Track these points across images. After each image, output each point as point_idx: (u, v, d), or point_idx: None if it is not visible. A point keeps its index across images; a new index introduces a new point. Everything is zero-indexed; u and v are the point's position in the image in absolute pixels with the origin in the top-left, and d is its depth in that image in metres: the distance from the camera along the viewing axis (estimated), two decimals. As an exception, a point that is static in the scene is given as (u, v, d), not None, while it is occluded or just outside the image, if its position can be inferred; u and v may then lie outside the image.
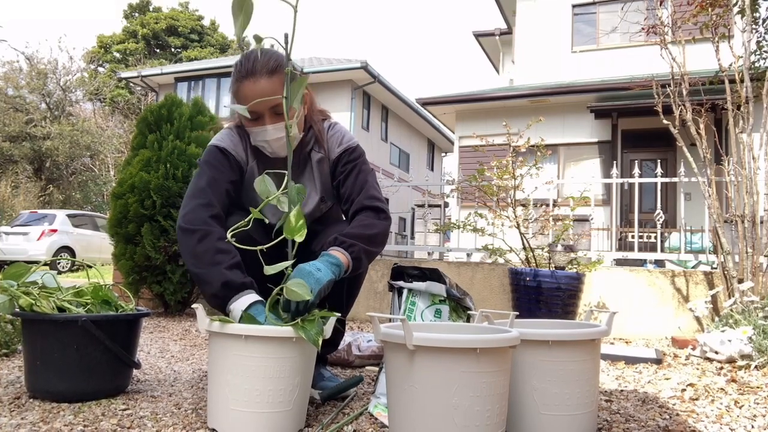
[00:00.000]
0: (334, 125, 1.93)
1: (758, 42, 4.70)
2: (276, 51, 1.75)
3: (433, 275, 1.75)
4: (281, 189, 1.51)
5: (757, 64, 4.44)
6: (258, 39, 1.48)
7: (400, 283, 1.78)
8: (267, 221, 1.67)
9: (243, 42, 1.47)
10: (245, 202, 1.88)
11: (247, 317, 1.52)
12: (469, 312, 1.75)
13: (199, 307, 1.50)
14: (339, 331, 2.02)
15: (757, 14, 4.53)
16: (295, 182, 1.73)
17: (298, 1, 1.46)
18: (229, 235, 1.54)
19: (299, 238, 1.49)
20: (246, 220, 1.54)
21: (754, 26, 4.28)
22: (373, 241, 1.72)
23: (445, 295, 1.73)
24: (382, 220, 1.79)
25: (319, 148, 1.88)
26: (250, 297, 1.56)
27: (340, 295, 1.86)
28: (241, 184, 1.84)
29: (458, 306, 1.75)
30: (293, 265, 1.54)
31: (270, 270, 1.48)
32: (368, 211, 1.79)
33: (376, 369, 2.31)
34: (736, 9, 4.06)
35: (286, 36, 1.51)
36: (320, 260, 1.58)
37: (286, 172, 1.54)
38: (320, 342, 1.43)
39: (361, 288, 1.99)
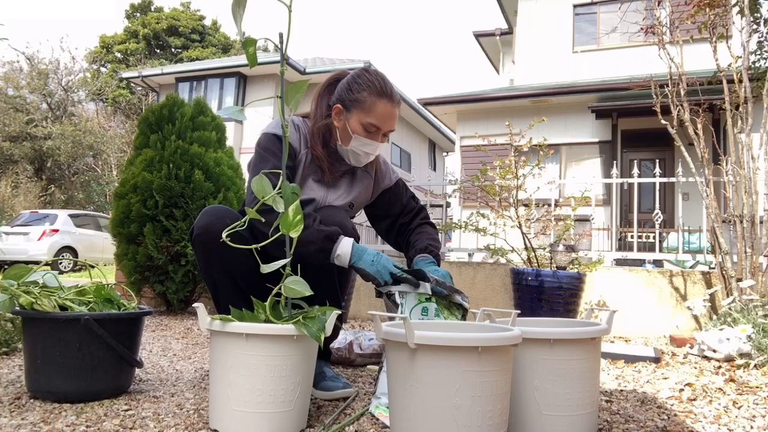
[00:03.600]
0: (382, 157, 2.18)
1: (759, 42, 4.69)
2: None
3: (418, 275, 1.76)
4: (276, 189, 1.52)
5: (757, 64, 4.44)
6: (251, 42, 1.48)
7: (388, 287, 1.79)
8: (263, 220, 1.67)
9: (242, 40, 1.48)
10: None
11: (249, 316, 1.53)
12: (463, 308, 1.76)
13: (200, 306, 1.51)
14: (337, 326, 2.04)
15: (758, 14, 4.52)
16: (335, 181, 1.99)
17: (292, 2, 1.47)
18: (224, 235, 1.55)
19: (294, 234, 1.49)
20: (242, 220, 1.55)
21: (755, 25, 4.28)
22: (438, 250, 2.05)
23: (430, 294, 1.74)
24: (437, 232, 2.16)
25: (369, 168, 2.09)
26: (347, 240, 1.76)
27: (333, 287, 1.91)
28: (294, 170, 1.98)
29: (451, 304, 1.75)
30: (292, 264, 1.55)
31: (266, 268, 1.49)
32: (429, 226, 2.13)
33: (377, 368, 2.31)
34: (735, 10, 4.06)
35: (281, 35, 1.52)
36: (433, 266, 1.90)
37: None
38: (322, 338, 1.45)
39: (351, 274, 2.03)
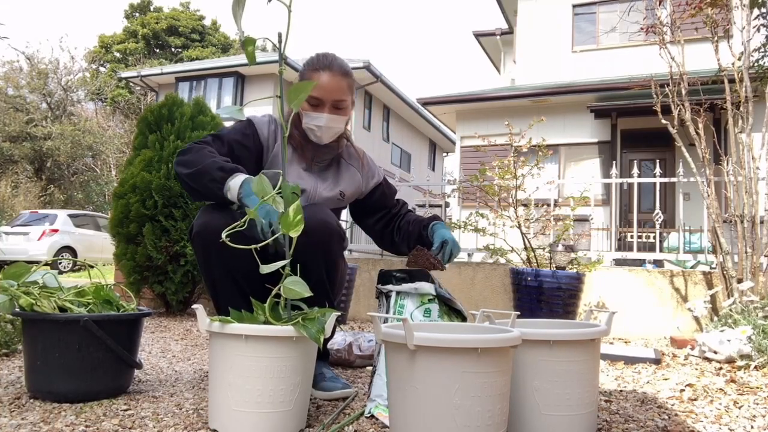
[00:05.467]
0: (365, 152, 2.26)
1: (764, 44, 4.66)
2: (345, 63, 2.02)
3: (421, 275, 1.75)
4: (276, 189, 1.51)
5: (761, 62, 4.40)
6: (251, 41, 1.48)
7: (389, 286, 1.78)
8: (265, 221, 1.66)
9: (241, 39, 1.48)
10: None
11: (248, 317, 1.53)
12: (462, 315, 1.75)
13: (199, 308, 1.51)
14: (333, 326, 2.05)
15: (764, 9, 4.48)
16: (322, 171, 2.04)
17: (291, 1, 1.46)
18: (224, 235, 1.54)
19: (294, 234, 1.49)
20: (242, 220, 1.54)
21: (763, 23, 4.25)
22: None
23: (434, 294, 1.73)
24: None
25: (352, 161, 2.16)
26: (242, 175, 1.71)
27: (323, 288, 1.89)
28: (260, 157, 2.01)
29: (450, 310, 1.75)
30: (291, 264, 1.54)
31: (265, 269, 1.49)
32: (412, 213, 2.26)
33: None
34: (736, 9, 4.05)
35: (279, 35, 1.52)
36: (445, 227, 2.03)
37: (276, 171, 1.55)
38: (322, 339, 1.44)
39: (339, 271, 2.01)
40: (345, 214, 3.87)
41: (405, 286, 1.75)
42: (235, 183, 1.69)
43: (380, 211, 2.24)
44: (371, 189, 2.22)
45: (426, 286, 1.74)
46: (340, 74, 1.96)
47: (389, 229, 2.21)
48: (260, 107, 14.64)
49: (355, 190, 2.17)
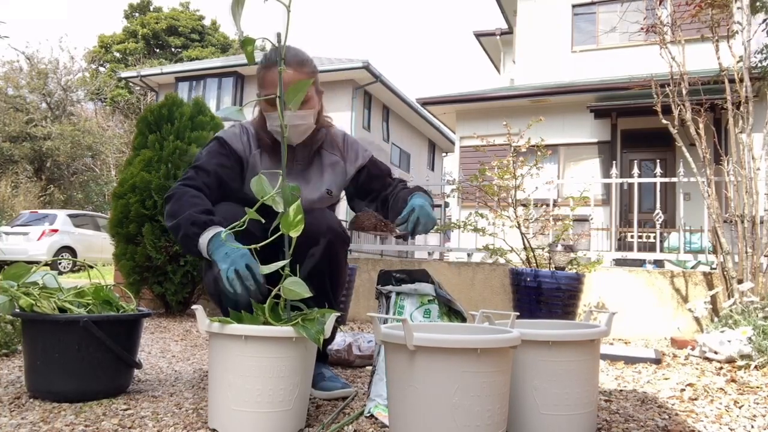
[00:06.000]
0: (346, 134, 2.13)
1: (766, 45, 4.66)
2: (299, 52, 1.89)
3: (421, 276, 1.75)
4: (276, 188, 1.51)
5: (763, 64, 4.41)
6: (250, 41, 1.48)
7: (389, 287, 1.78)
8: (263, 220, 1.63)
9: (241, 39, 1.47)
10: (247, 191, 1.89)
11: (248, 318, 1.52)
12: (462, 316, 1.75)
13: (199, 308, 1.51)
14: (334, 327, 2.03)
15: (764, 12, 4.49)
16: (303, 171, 1.94)
17: (291, 1, 1.46)
18: (223, 236, 1.54)
19: (295, 234, 1.49)
20: (242, 220, 1.54)
21: (764, 25, 4.25)
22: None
23: (434, 295, 1.73)
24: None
25: (334, 150, 2.05)
26: (213, 229, 1.65)
27: (326, 292, 1.89)
28: (242, 172, 1.95)
29: (450, 311, 1.75)
30: (291, 263, 1.54)
31: (265, 269, 1.49)
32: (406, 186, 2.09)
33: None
34: (736, 9, 4.05)
35: (278, 35, 1.52)
36: (421, 197, 1.87)
37: (279, 171, 1.55)
38: (321, 340, 1.45)
39: (342, 277, 2.00)
40: (345, 214, 3.87)
41: (405, 287, 1.75)
42: (204, 239, 1.64)
43: (370, 194, 2.11)
44: (355, 172, 2.09)
45: (426, 287, 1.74)
46: (294, 66, 1.82)
47: (382, 212, 2.05)
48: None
49: (342, 181, 2.08)
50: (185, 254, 1.84)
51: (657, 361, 2.82)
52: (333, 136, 2.07)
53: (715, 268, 4.02)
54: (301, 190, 1.91)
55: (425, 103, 12.88)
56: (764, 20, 4.56)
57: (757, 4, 4.11)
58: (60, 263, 12.19)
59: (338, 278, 1.97)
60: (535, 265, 3.88)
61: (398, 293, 1.76)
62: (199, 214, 1.69)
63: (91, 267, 2.06)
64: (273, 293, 1.52)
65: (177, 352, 2.78)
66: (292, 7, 1.47)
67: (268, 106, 1.87)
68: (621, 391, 2.17)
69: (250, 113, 1.94)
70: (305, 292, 1.46)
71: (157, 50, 32.65)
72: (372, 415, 1.64)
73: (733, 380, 2.38)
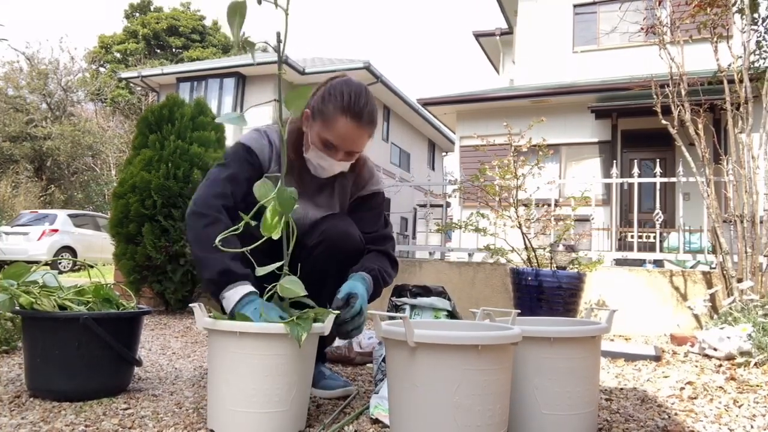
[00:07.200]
0: (367, 159, 1.98)
1: (758, 42, 4.69)
2: (375, 104, 1.77)
3: (438, 293, 1.75)
4: (274, 191, 1.51)
5: (756, 64, 4.44)
6: (249, 44, 1.48)
7: (404, 299, 1.78)
8: (254, 223, 1.57)
9: (241, 43, 1.47)
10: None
11: (239, 316, 1.52)
12: None
13: (196, 305, 1.51)
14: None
15: (757, 14, 4.52)
16: (313, 197, 1.84)
17: (288, 4, 1.46)
18: (217, 241, 1.53)
19: (275, 236, 1.48)
20: (240, 224, 1.54)
21: (753, 26, 4.28)
22: (386, 283, 1.82)
23: (450, 310, 1.73)
24: (394, 270, 1.88)
25: (350, 174, 1.92)
26: (246, 288, 1.56)
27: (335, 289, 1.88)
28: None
29: None
30: (290, 264, 1.55)
31: (261, 271, 1.49)
32: (384, 257, 1.86)
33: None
34: (735, 9, 4.06)
35: (278, 34, 1.51)
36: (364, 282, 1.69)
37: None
38: (303, 338, 1.41)
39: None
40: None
41: (420, 300, 1.74)
42: (232, 295, 1.56)
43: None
44: (354, 200, 1.96)
45: (441, 302, 1.74)
46: (367, 125, 1.72)
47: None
48: (261, 107, 14.62)
49: (344, 201, 1.97)
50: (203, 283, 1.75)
51: (657, 358, 2.82)
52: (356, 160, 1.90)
53: (714, 268, 4.02)
54: (307, 214, 1.86)
55: (426, 103, 12.87)
56: (763, 20, 4.57)
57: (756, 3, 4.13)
58: (60, 263, 12.19)
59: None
60: (536, 264, 3.87)
61: (413, 306, 1.76)
62: (230, 265, 1.58)
63: (91, 266, 2.06)
64: (271, 292, 1.52)
65: (177, 349, 2.78)
66: (292, 7, 1.47)
67: (321, 144, 1.74)
68: (621, 389, 2.17)
69: (250, 117, 1.89)
70: (301, 291, 1.46)
71: (158, 51, 32.63)
72: (374, 415, 1.63)
73: (733, 378, 2.38)
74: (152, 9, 33.51)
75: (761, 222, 3.55)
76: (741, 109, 3.67)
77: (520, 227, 4.05)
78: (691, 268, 4.97)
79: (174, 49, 32.64)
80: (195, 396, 1.83)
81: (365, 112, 1.71)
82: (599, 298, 4.10)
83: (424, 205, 6.91)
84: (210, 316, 1.51)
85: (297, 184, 1.75)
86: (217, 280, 1.57)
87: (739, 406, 1.91)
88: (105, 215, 14.89)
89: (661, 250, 5.46)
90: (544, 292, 3.45)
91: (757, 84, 3.89)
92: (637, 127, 10.39)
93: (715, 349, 2.85)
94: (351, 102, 1.69)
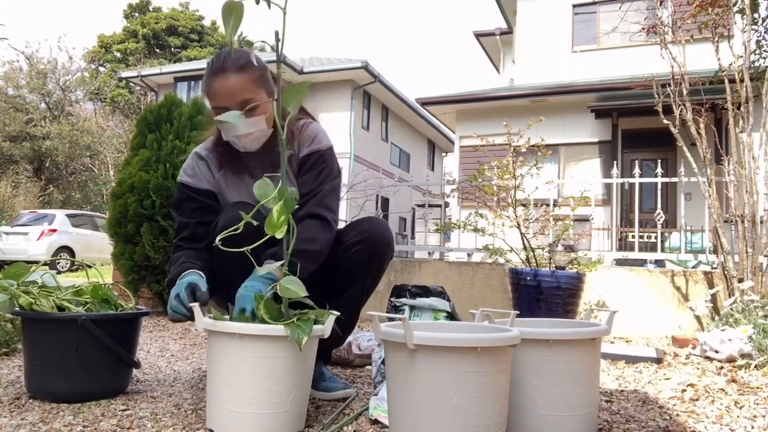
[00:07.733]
0: (309, 123, 1.89)
1: (758, 41, 4.69)
2: (246, 50, 1.73)
3: (437, 293, 1.74)
4: (274, 192, 1.50)
5: (756, 64, 4.44)
6: (248, 43, 1.48)
7: (403, 299, 1.77)
8: (255, 223, 1.54)
9: (238, 43, 1.46)
10: (227, 204, 1.88)
11: (242, 317, 1.51)
12: None
13: (196, 306, 1.50)
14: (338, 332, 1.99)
15: (757, 14, 4.52)
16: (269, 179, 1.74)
17: (286, 3, 1.45)
18: (218, 240, 1.53)
19: (279, 234, 1.47)
20: (239, 224, 1.52)
21: (753, 26, 4.28)
22: (313, 258, 1.70)
23: (450, 311, 1.72)
24: (327, 232, 1.76)
25: (290, 146, 1.83)
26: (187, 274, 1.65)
27: (356, 303, 1.92)
28: (217, 198, 1.90)
29: None
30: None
31: (261, 271, 1.50)
32: (316, 219, 1.75)
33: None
34: (735, 8, 4.05)
35: (276, 33, 1.50)
36: (256, 278, 1.55)
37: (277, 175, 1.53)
38: (303, 341, 1.40)
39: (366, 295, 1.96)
40: (344, 213, 3.85)
41: (419, 301, 1.74)
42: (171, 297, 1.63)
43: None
44: (299, 167, 1.85)
45: (440, 303, 1.73)
46: (235, 71, 1.68)
47: None
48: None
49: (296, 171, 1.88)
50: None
51: (658, 361, 2.81)
52: (292, 129, 1.85)
53: (715, 268, 4.01)
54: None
55: (425, 103, 12.88)
56: (763, 20, 4.57)
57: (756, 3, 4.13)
58: (58, 263, 12.19)
59: (374, 287, 1.96)
60: (535, 264, 3.87)
61: (412, 307, 1.76)
62: (176, 275, 1.69)
63: (90, 266, 2.05)
64: (271, 292, 1.51)
65: (176, 351, 2.77)
66: (290, 7, 1.46)
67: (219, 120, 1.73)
68: (622, 391, 2.16)
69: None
70: (301, 292, 1.45)
71: (157, 50, 32.65)
72: (373, 415, 1.62)
73: (734, 380, 2.37)
74: (151, 9, 33.52)
75: (762, 222, 3.55)
76: (742, 108, 3.67)
77: (518, 227, 4.05)
78: (692, 268, 4.97)
79: (173, 49, 32.66)
80: (193, 398, 1.83)
81: (227, 61, 1.69)
82: (599, 299, 4.09)
83: (422, 205, 6.91)
84: (209, 317, 1.50)
85: (245, 173, 1.84)
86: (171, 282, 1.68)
87: (740, 408, 1.90)
88: (103, 215, 14.89)
89: (663, 250, 5.45)
90: (543, 293, 3.44)
91: (758, 83, 3.88)
92: (637, 126, 10.40)
93: (716, 352, 2.84)
94: (211, 61, 1.74)
